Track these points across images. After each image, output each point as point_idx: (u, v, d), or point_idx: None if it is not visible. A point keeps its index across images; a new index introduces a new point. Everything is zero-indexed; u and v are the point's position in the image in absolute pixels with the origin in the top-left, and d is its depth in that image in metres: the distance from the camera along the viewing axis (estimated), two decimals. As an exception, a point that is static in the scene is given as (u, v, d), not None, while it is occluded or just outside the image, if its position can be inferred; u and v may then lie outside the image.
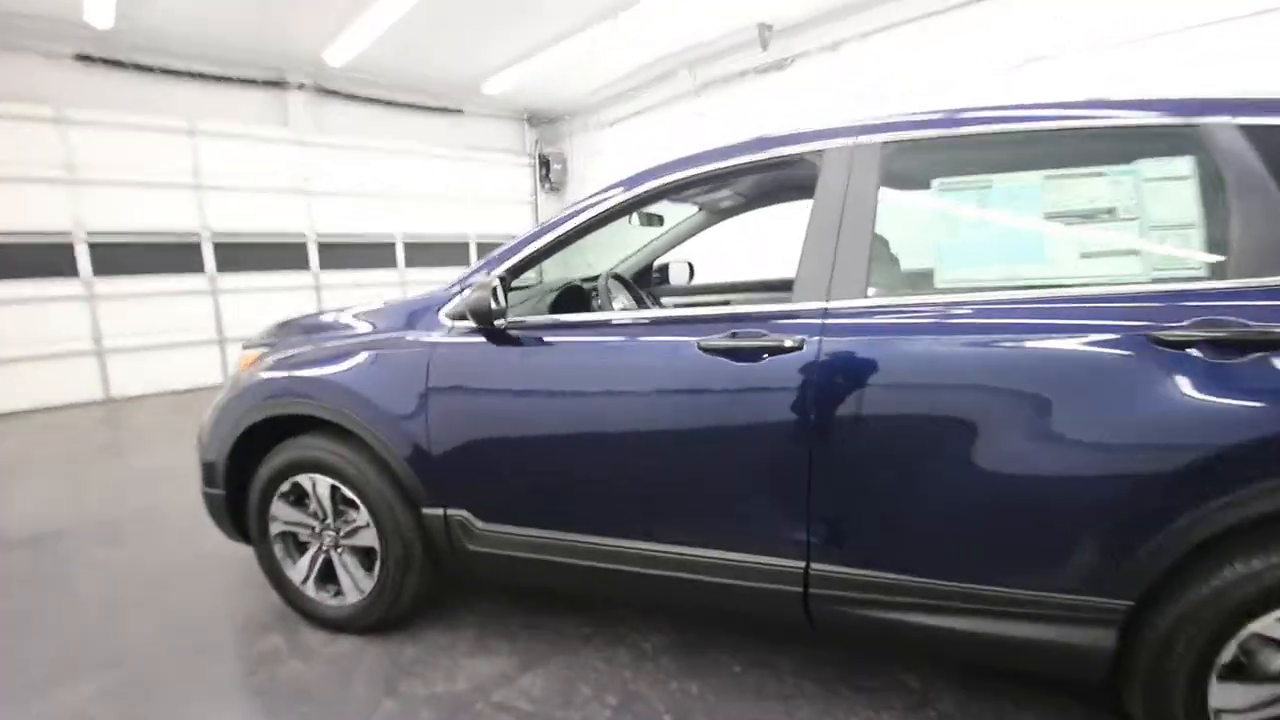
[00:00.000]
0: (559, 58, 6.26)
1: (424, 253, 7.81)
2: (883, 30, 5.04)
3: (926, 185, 1.50)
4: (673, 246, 2.94)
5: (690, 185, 1.73)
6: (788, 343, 1.44)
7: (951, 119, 1.49)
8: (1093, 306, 1.29)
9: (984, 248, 1.46)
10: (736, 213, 2.79)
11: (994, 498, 1.31)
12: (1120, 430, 1.22)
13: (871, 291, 1.45)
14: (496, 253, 1.85)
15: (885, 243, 1.52)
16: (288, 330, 2.14)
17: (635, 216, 2.61)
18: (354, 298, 7.21)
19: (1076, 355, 1.26)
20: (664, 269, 3.19)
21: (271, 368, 2.01)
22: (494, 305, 1.64)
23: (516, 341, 1.73)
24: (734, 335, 1.50)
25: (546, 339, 1.72)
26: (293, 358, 2.00)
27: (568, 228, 1.76)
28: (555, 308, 2.24)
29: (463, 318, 1.77)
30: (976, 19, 4.52)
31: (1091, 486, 1.25)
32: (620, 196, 1.73)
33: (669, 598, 1.65)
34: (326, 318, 2.11)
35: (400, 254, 7.67)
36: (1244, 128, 1.30)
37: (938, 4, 4.66)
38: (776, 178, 2.29)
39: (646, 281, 3.09)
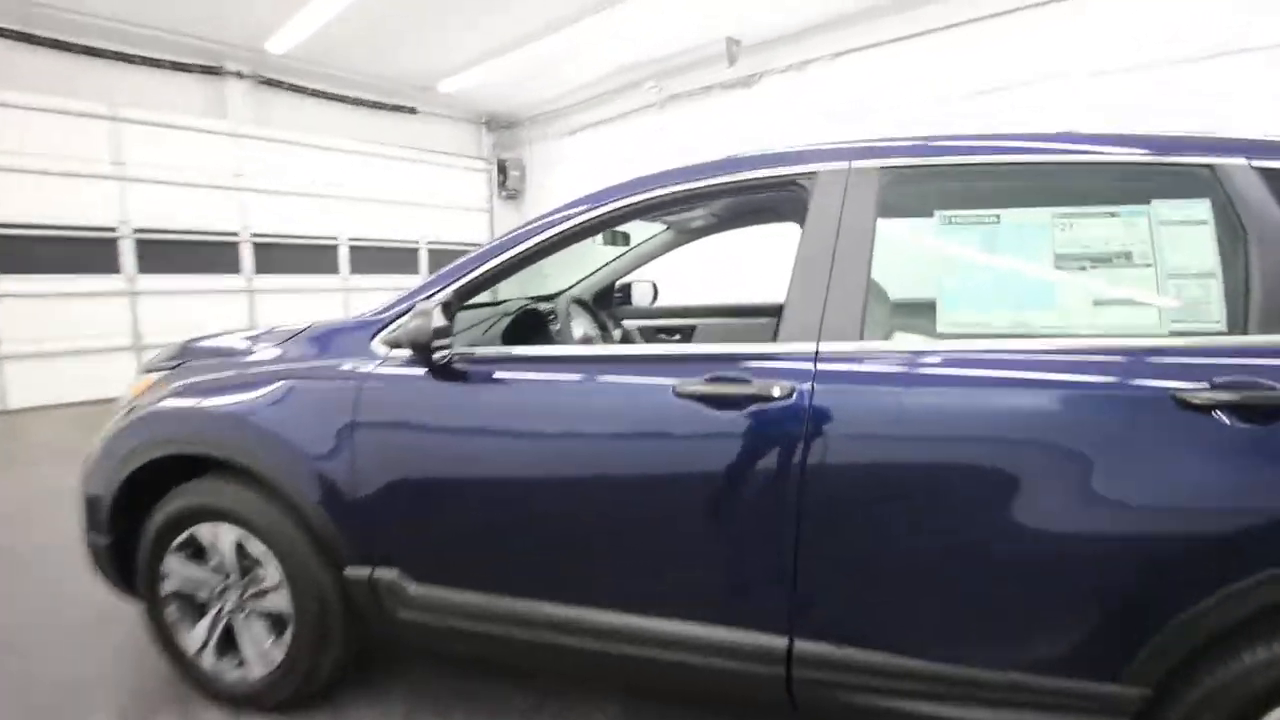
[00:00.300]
0: (522, 60, 6.03)
1: (370, 258, 7.40)
2: (853, 52, 5.02)
3: (928, 217, 1.36)
4: (637, 266, 2.76)
5: (664, 205, 1.55)
6: (775, 391, 1.26)
7: (956, 146, 1.35)
8: (1111, 361, 1.17)
9: (991, 289, 1.32)
10: (708, 233, 2.62)
11: (1002, 573, 1.17)
12: (1142, 500, 1.10)
13: (868, 334, 1.30)
14: (443, 271, 1.62)
15: (883, 279, 1.37)
16: (193, 353, 1.84)
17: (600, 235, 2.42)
18: (291, 304, 6.76)
19: (1097, 416, 1.14)
20: (626, 289, 3.00)
21: (170, 397, 1.72)
22: (437, 335, 1.41)
23: (463, 377, 1.50)
24: (714, 379, 1.31)
25: (498, 375, 1.50)
26: (197, 386, 1.71)
27: (526, 247, 1.54)
28: (510, 333, 2.01)
29: (400, 346, 1.53)
30: (947, 44, 4.52)
31: (1111, 561, 1.12)
32: (586, 214, 1.54)
33: (636, 677, 1.45)
34: (239, 340, 1.82)
35: (344, 258, 7.25)
36: (1262, 170, 1.21)
37: (909, 28, 4.66)
38: (758, 199, 2.13)
39: (608, 302, 2.89)
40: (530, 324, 2.07)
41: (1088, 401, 1.14)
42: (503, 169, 8.56)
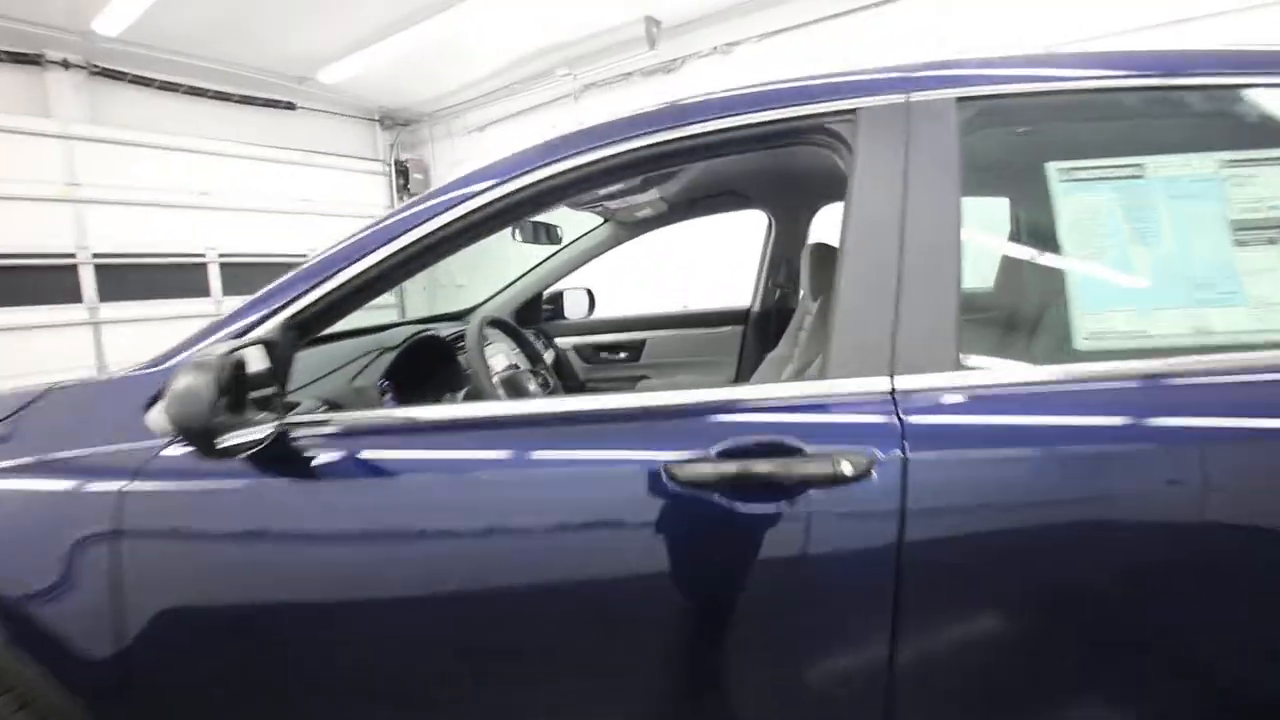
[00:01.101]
0: (411, 44, 5.31)
1: (249, 276, 6.38)
2: (782, 32, 4.66)
3: (1038, 174, 0.89)
4: (570, 270, 2.21)
5: (607, 174, 1.01)
6: (844, 466, 0.75)
7: (1074, 66, 0.89)
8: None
9: (1148, 280, 0.86)
10: (656, 225, 2.11)
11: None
12: None
13: (966, 358, 0.81)
14: (270, 289, 1.01)
15: (977, 270, 0.89)
16: None
17: (517, 230, 1.86)
18: (150, 335, 5.70)
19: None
20: (557, 299, 2.43)
21: None
22: (224, 403, 0.80)
23: (304, 465, 0.90)
24: (735, 451, 0.79)
25: (369, 456, 0.91)
26: None
27: (400, 247, 0.96)
28: (398, 375, 1.40)
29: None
30: (878, 23, 4.24)
31: None
32: (492, 193, 0.98)
33: None
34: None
35: (215, 278, 6.22)
36: None
37: (840, 5, 4.34)
38: (748, 166, 1.63)
39: (535, 316, 2.32)
40: (428, 360, 1.47)
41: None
42: (403, 171, 7.73)
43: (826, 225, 2.20)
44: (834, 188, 1.95)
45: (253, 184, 6.41)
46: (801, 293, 1.93)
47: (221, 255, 6.24)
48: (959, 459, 0.74)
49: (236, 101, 6.41)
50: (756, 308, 2.28)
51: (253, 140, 6.45)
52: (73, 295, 5.43)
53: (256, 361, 0.86)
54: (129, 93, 5.84)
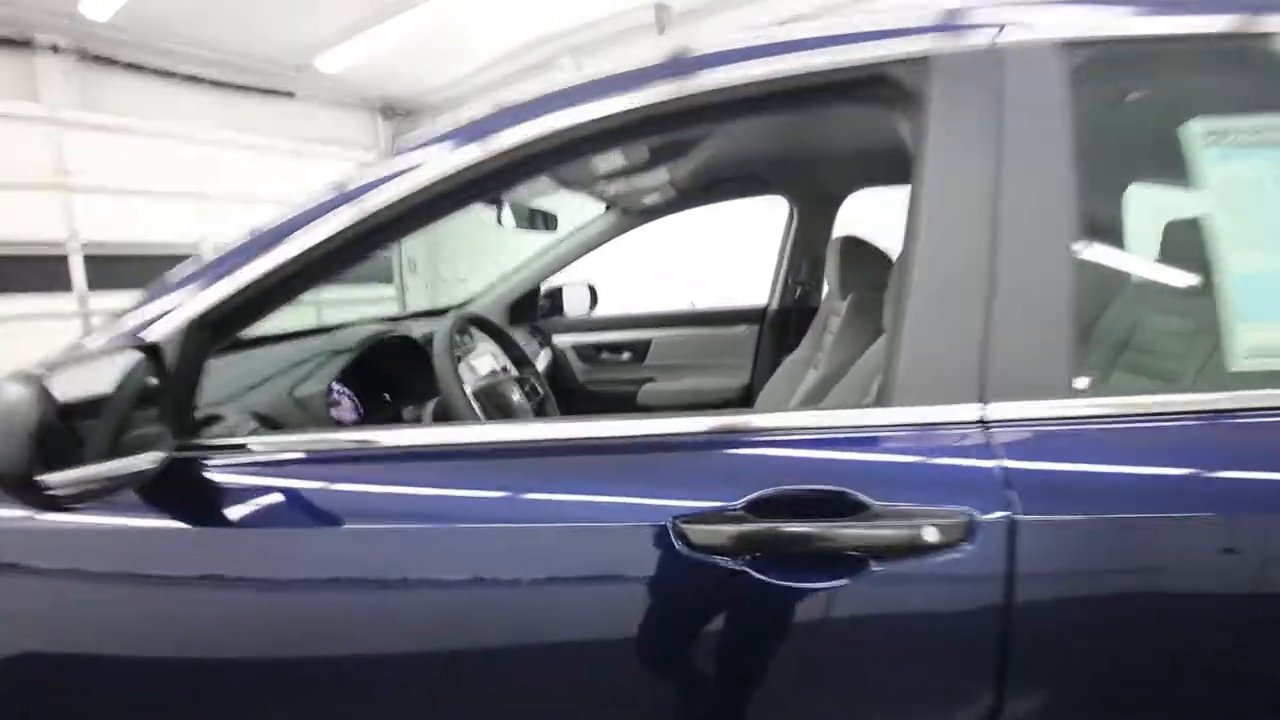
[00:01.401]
0: (413, 29, 5.13)
1: (245, 268, 6.23)
2: (798, 20, 4.43)
3: (1174, 139, 0.67)
4: (568, 262, 2.00)
5: (610, 137, 0.81)
6: (929, 533, 0.54)
7: (1220, 7, 0.67)
8: None
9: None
10: (666, 212, 1.90)
11: None
12: None
13: (1082, 383, 0.60)
14: (158, 286, 0.82)
15: (1097, 268, 0.68)
16: None
17: (507, 209, 1.65)
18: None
19: None
20: (555, 295, 2.22)
21: None
22: (54, 438, 0.60)
23: (206, 503, 0.70)
24: (769, 505, 0.58)
25: (293, 486, 0.71)
26: None
27: (338, 230, 0.76)
28: (356, 383, 1.19)
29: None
30: (903, 7, 4.03)
31: None
32: (458, 160, 0.77)
33: None
34: None
35: (210, 270, 6.06)
36: None
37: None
38: (769, 144, 1.42)
39: (531, 314, 2.12)
40: (392, 365, 1.25)
41: None
42: (405, 163, 7.57)
43: (851, 215, 2.00)
44: (868, 168, 1.75)
45: (250, 173, 6.25)
46: (826, 289, 1.72)
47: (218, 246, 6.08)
48: (1091, 525, 0.53)
49: (234, 89, 6.23)
50: (774, 306, 2.07)
51: (250, 129, 6.29)
52: (62, 285, 5.29)
53: (136, 372, 0.66)
54: (122, 79, 5.67)
